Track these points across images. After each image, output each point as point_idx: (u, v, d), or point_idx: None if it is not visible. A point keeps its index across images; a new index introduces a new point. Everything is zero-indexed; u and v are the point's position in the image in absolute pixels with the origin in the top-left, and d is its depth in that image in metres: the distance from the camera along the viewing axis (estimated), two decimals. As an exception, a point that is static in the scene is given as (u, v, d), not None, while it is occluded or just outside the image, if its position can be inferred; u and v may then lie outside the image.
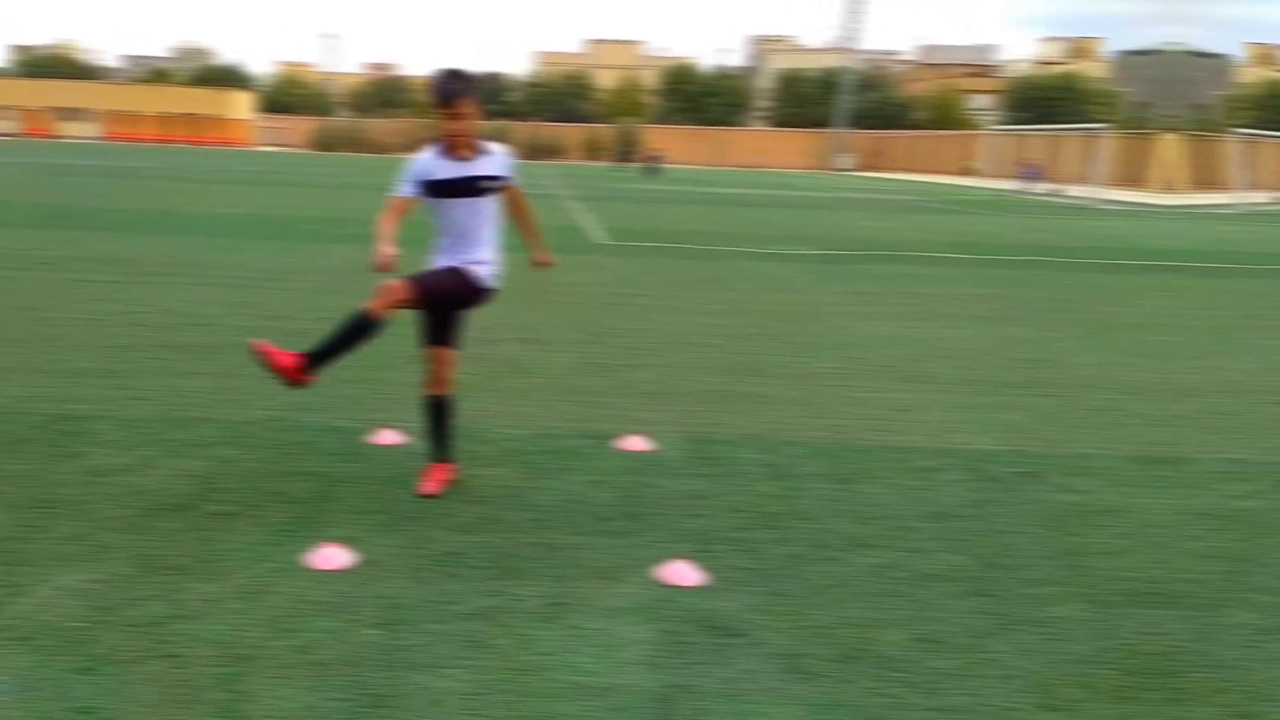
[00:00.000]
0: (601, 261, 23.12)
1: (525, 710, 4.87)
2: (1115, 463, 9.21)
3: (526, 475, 8.27)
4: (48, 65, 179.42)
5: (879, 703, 5.05)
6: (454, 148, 7.35)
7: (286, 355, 7.15)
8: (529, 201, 7.98)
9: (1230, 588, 6.66)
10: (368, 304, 7.17)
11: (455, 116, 7.18)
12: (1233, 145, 75.31)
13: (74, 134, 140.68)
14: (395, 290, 7.17)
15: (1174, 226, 44.65)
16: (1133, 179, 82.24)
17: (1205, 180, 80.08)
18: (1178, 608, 6.33)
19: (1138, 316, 17.92)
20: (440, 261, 7.60)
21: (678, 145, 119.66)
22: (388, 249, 7.06)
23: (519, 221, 8.08)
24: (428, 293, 7.37)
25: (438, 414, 7.92)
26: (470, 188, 7.41)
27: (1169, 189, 72.52)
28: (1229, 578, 6.82)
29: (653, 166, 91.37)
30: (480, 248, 7.56)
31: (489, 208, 7.58)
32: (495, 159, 7.52)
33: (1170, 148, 76.47)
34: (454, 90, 7.13)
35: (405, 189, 7.44)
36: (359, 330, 7.25)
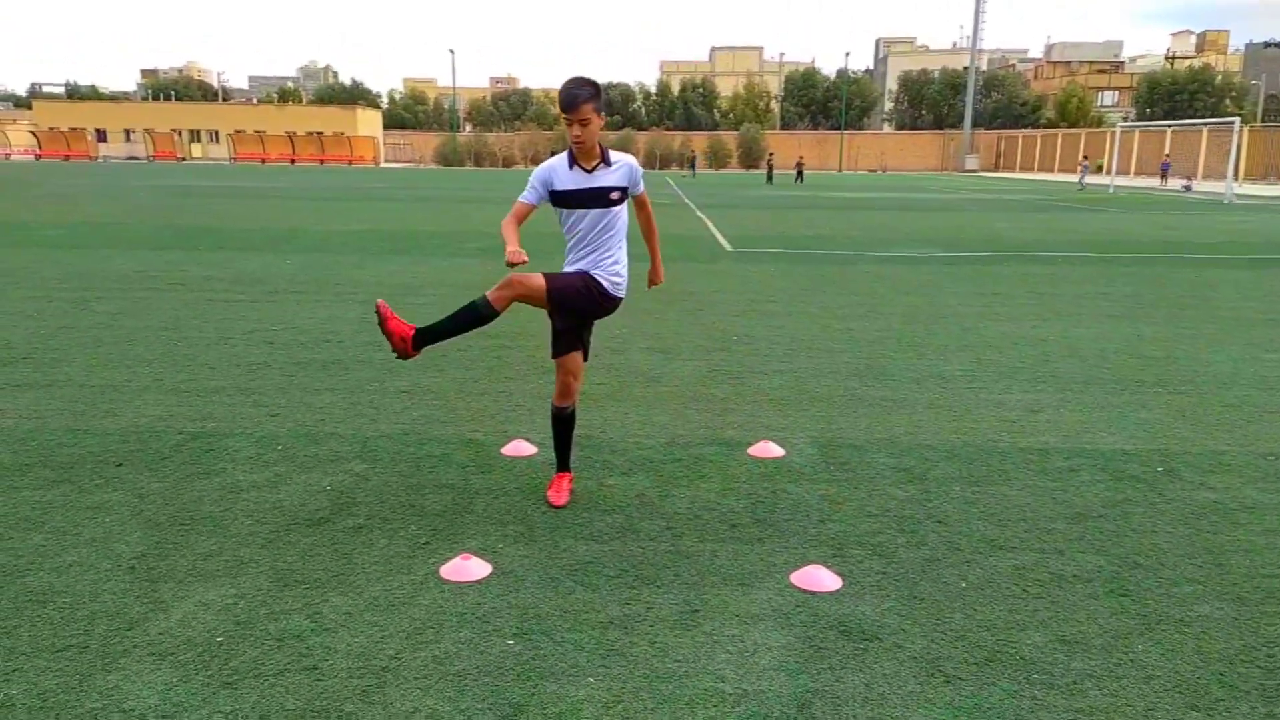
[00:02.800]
0: (727, 268, 23.13)
1: (662, 718, 4.87)
2: (1253, 459, 9.08)
3: (658, 484, 8.26)
4: (174, 88, 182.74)
5: (1020, 705, 5.00)
6: (578, 157, 7.32)
7: (402, 324, 7.32)
8: (653, 213, 7.90)
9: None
10: (490, 292, 7.22)
11: (579, 122, 7.10)
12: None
13: (202, 156, 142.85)
14: (520, 283, 7.20)
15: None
16: (1266, 172, 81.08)
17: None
18: (1324, 604, 6.23)
19: (1273, 312, 17.60)
20: (570, 268, 7.58)
21: (802, 151, 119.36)
22: (516, 248, 7.02)
23: (644, 232, 8.05)
24: (553, 291, 7.33)
25: (567, 425, 7.91)
26: (593, 199, 7.36)
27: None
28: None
29: (773, 172, 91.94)
30: (607, 258, 7.50)
31: (616, 218, 7.49)
32: (620, 170, 7.42)
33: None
34: (578, 96, 7.04)
35: (529, 195, 7.41)
36: (475, 317, 7.31)
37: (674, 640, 5.65)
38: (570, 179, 7.34)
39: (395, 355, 7.43)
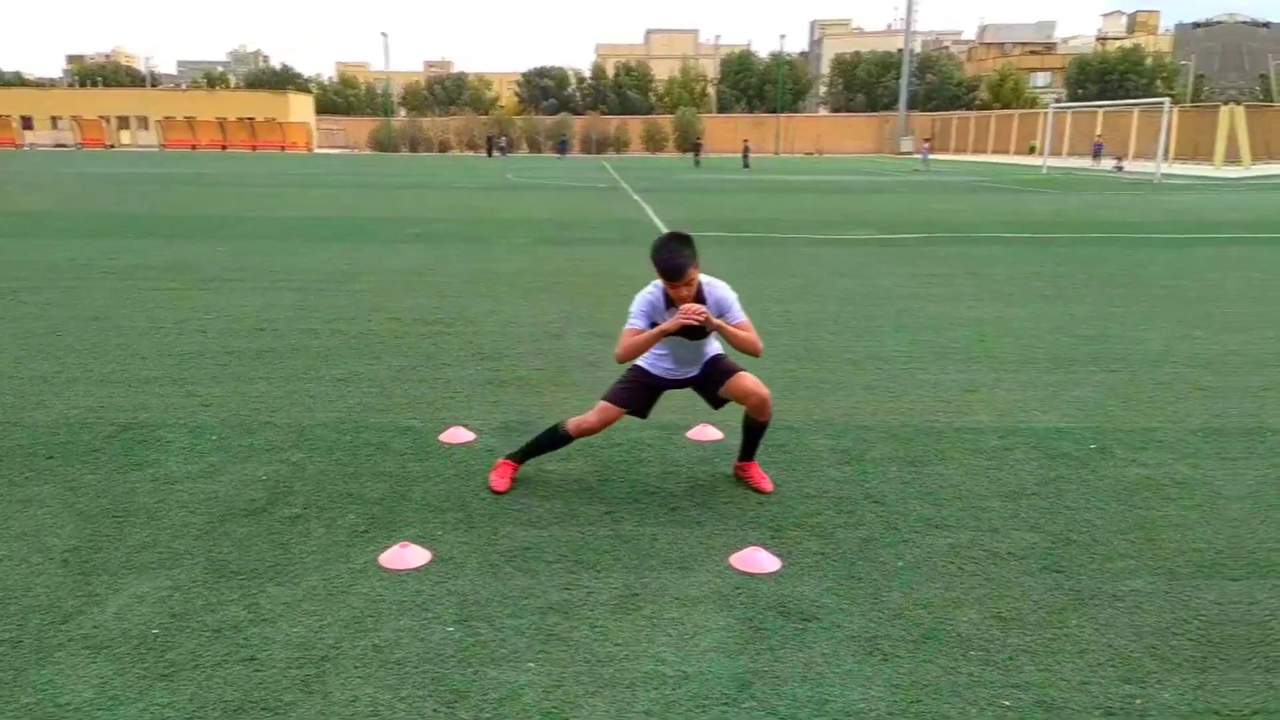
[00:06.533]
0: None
1: (603, 701, 4.88)
2: (1184, 436, 9.17)
3: (598, 469, 8.28)
4: (101, 74, 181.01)
5: (957, 681, 5.04)
6: (675, 301, 7.28)
7: (501, 480, 7.84)
8: (751, 334, 7.68)
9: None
10: (569, 421, 7.84)
11: (684, 286, 7.13)
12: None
13: (131, 143, 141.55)
14: (593, 425, 7.71)
15: (1238, 198, 44.28)
16: (1196, 152, 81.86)
17: (1268, 150, 79.56)
18: (1263, 576, 6.31)
19: (1203, 290, 17.77)
20: (654, 359, 7.77)
21: (739, 134, 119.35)
22: (672, 322, 7.20)
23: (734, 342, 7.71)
24: (622, 405, 7.75)
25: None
26: (691, 333, 7.33)
27: (1232, 161, 72.05)
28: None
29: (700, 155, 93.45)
30: (685, 363, 7.74)
31: (703, 344, 7.62)
32: (713, 305, 7.35)
33: (1232, 120, 75.94)
34: (684, 265, 7.06)
35: (638, 323, 7.46)
36: (556, 442, 7.92)
37: (614, 624, 5.66)
38: (669, 316, 7.32)
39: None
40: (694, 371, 7.76)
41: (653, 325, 7.39)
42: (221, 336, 13.18)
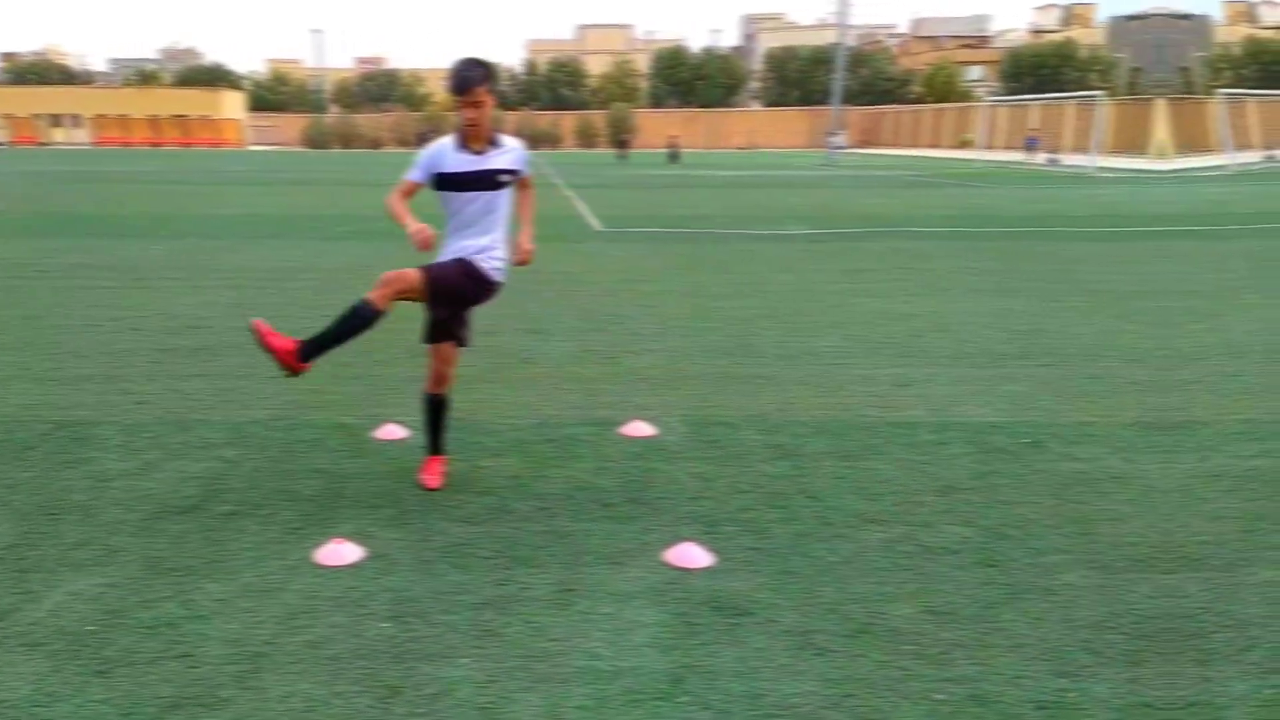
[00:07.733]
0: (599, 249, 23.12)
1: (538, 696, 4.89)
2: (1118, 429, 9.22)
3: (531, 465, 8.28)
4: (34, 72, 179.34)
5: (890, 676, 5.07)
6: (468, 140, 7.22)
7: (283, 339, 7.20)
8: (535, 195, 7.93)
9: (1249, 546, 6.69)
10: (370, 294, 7.18)
11: (471, 105, 7.01)
12: (1218, 106, 75.42)
13: (64, 140, 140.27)
14: (399, 279, 7.19)
15: (1169, 191, 44.50)
16: (1130, 145, 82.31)
17: (1193, 143, 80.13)
18: (1195, 569, 6.35)
19: (1136, 283, 17.86)
20: (449, 253, 7.47)
21: (671, 129, 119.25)
22: (418, 225, 7.04)
23: (521, 208, 7.90)
24: (435, 284, 7.30)
25: (439, 411, 7.89)
26: (483, 182, 7.28)
27: (1163, 154, 72.53)
28: (1247, 537, 6.84)
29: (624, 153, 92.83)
30: (489, 242, 7.43)
31: (501, 201, 7.43)
32: (511, 153, 7.41)
33: (1163, 112, 76.46)
34: (471, 78, 6.95)
35: (414, 174, 7.36)
36: (360, 321, 7.25)
37: (549, 619, 5.67)
38: (459, 161, 7.24)
39: (285, 374, 7.35)
40: (484, 249, 7.48)
41: (436, 176, 7.35)
42: (157, 334, 13.13)
